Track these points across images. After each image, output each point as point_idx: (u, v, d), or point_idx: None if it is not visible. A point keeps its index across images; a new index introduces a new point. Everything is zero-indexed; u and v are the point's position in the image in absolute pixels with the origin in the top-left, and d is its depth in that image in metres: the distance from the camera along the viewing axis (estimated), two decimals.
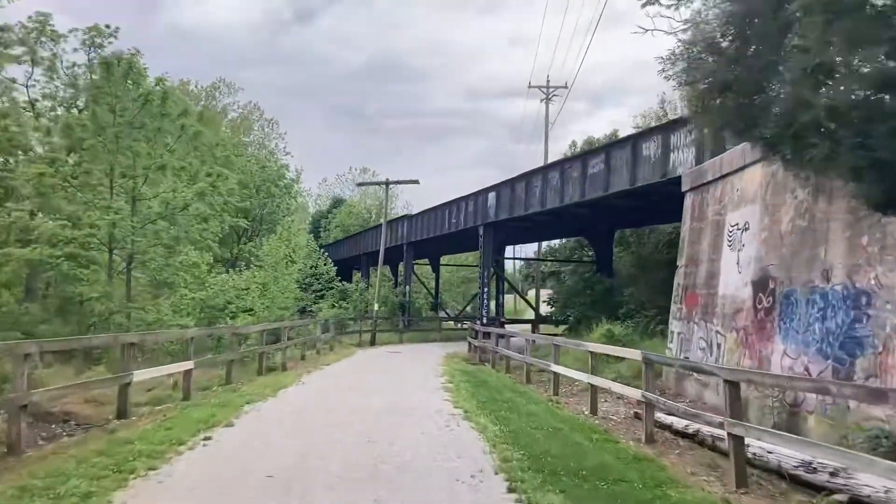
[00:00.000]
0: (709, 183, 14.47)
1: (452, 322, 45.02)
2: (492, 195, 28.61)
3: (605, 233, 30.87)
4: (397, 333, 35.27)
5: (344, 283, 40.73)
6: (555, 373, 15.96)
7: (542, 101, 51.60)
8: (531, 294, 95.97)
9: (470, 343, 28.82)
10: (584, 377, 13.48)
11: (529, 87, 50.55)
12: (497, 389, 15.88)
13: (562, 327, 35.10)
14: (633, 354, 11.55)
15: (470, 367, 22.72)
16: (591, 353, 13.59)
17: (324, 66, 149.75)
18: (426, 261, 53.41)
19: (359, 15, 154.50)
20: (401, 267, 55.94)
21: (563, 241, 44.44)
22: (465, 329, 40.85)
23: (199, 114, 27.94)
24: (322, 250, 48.08)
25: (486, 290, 29.31)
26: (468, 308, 56.89)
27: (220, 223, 25.37)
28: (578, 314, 27.00)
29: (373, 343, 33.16)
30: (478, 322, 29.81)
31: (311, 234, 68.67)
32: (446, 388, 15.87)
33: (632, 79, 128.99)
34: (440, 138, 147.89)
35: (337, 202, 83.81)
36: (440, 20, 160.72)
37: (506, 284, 41.46)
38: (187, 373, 13.56)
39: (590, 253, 33.76)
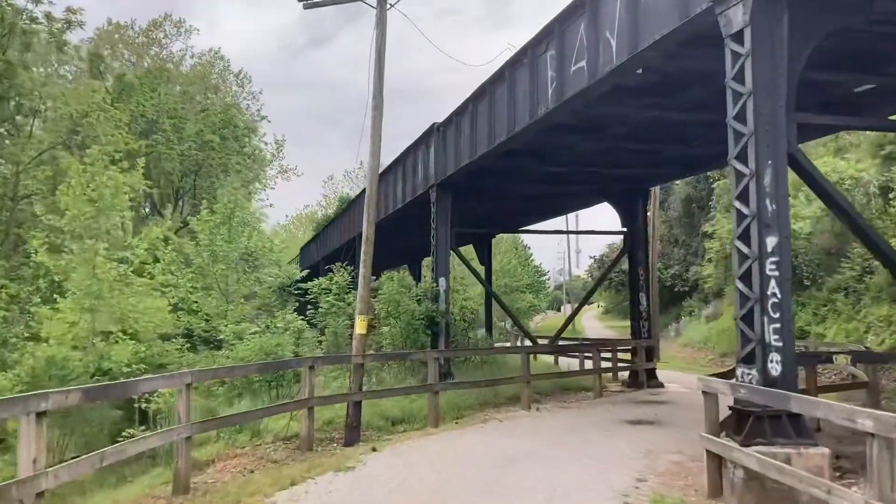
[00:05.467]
0: None
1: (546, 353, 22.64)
2: None
3: None
4: (425, 394, 13.13)
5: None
6: None
7: None
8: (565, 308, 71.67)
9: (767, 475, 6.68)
10: None
11: None
12: None
13: None
14: None
15: None
16: None
17: (340, 90, 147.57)
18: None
19: (370, 39, 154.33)
20: (425, 262, 34.57)
21: None
22: (578, 370, 17.83)
23: None
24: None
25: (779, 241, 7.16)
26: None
27: None
28: None
29: (352, 440, 11.08)
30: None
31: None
32: None
33: None
34: None
35: (344, 203, 62.10)
36: (451, 40, 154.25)
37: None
38: None
39: None
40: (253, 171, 37.76)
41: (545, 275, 75.60)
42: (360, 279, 11.93)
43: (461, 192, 18.47)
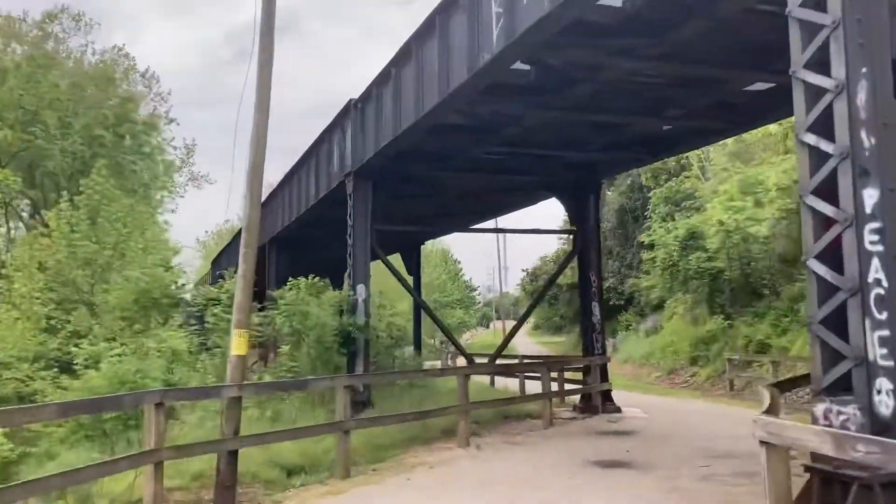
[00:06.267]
0: None
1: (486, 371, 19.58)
2: None
3: None
4: (334, 433, 9.89)
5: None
6: None
7: None
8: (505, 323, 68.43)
9: None
10: None
11: None
12: None
13: None
14: None
15: None
16: None
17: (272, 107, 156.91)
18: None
19: (300, 55, 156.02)
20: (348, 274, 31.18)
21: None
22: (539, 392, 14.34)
23: None
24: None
25: None
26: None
27: None
28: None
29: None
30: None
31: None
32: None
33: None
34: None
35: None
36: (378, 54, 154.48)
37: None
38: None
39: None
40: (152, 171, 33.41)
41: (475, 290, 72.98)
42: (239, 280, 8.62)
43: (384, 181, 15.37)
